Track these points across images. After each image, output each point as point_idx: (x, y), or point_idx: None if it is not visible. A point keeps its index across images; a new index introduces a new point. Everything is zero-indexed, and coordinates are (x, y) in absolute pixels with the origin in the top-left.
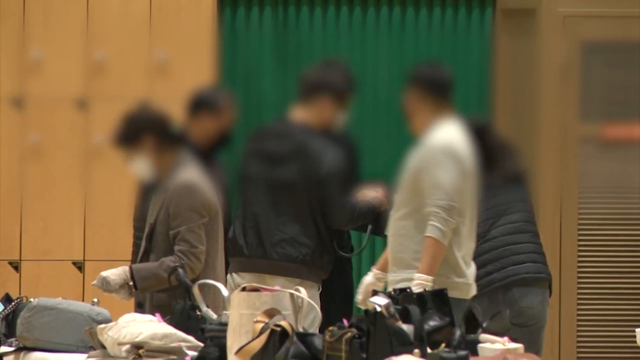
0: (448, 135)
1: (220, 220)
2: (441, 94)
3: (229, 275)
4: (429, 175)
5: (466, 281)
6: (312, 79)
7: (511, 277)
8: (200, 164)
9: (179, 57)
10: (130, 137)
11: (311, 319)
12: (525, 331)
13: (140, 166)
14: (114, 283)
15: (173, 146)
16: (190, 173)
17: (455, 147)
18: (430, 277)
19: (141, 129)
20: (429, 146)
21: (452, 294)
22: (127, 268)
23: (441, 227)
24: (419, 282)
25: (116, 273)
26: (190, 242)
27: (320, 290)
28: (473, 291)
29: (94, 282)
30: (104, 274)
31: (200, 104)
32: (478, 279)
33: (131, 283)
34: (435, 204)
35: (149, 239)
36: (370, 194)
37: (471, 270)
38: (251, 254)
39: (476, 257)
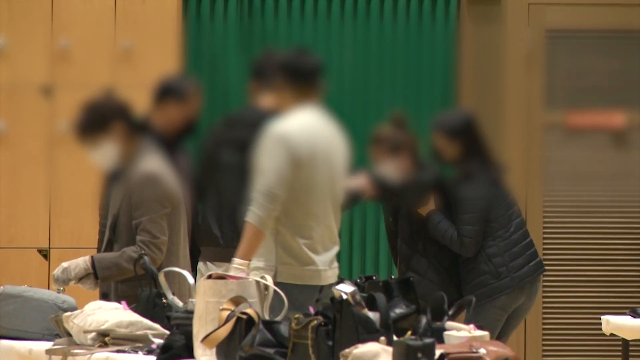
0: (288, 123)
1: (184, 209)
2: (303, 81)
3: (202, 264)
4: (258, 162)
5: (315, 268)
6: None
7: (540, 270)
8: (165, 153)
9: (144, 45)
10: (97, 124)
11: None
12: (519, 319)
13: (106, 154)
14: (75, 274)
15: (138, 134)
16: (153, 162)
17: (289, 135)
18: (246, 262)
19: (110, 116)
20: (266, 133)
21: (298, 281)
22: (87, 258)
23: (258, 213)
24: (235, 266)
25: (77, 263)
26: (152, 233)
27: None
28: (328, 278)
29: (55, 272)
30: (65, 264)
31: (166, 92)
32: (513, 271)
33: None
34: (257, 189)
35: (113, 229)
36: (352, 181)
37: (324, 258)
38: (227, 244)
39: (505, 250)
